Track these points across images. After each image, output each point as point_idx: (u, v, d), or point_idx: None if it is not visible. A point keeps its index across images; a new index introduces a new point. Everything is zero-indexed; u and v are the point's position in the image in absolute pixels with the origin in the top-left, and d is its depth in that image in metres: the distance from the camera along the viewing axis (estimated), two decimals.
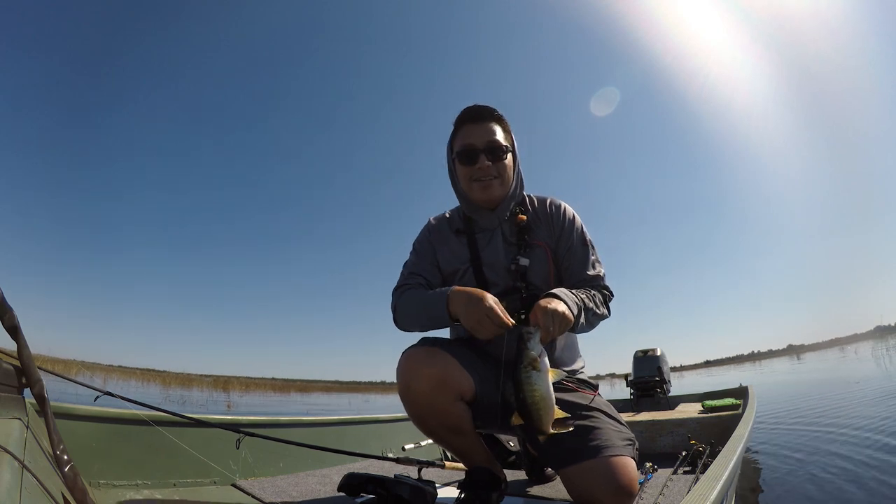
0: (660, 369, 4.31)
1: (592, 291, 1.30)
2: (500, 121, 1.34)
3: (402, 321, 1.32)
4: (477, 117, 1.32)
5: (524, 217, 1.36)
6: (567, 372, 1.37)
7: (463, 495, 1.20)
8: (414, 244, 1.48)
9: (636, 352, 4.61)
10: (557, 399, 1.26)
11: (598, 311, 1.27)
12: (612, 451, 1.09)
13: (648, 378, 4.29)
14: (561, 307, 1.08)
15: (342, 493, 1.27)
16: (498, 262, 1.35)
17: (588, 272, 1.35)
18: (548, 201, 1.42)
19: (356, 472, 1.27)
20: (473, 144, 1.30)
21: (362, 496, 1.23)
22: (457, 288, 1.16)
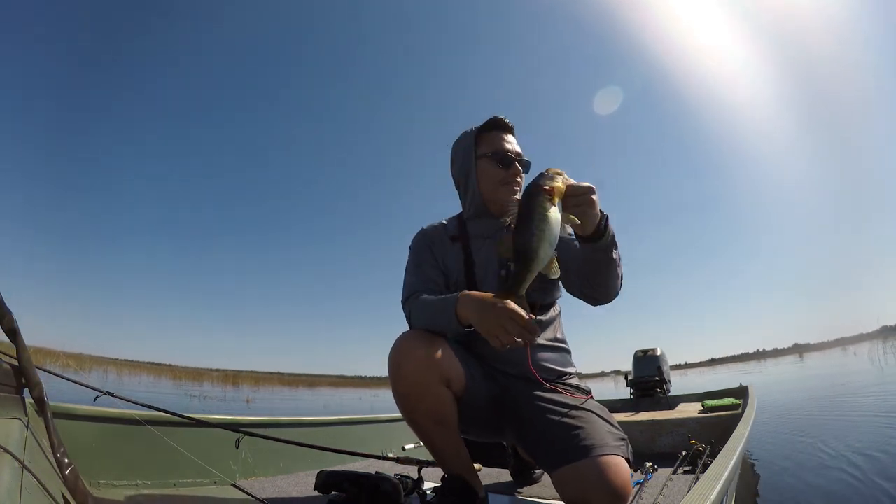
0: (660, 369, 4.31)
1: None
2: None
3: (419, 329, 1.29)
4: (507, 128, 1.42)
5: None
6: (558, 374, 1.36)
7: (435, 502, 1.19)
8: (412, 250, 1.46)
9: (636, 351, 4.61)
10: (548, 399, 1.25)
11: (619, 260, 1.20)
12: (603, 450, 1.07)
13: (648, 378, 4.29)
14: (588, 184, 1.01)
15: (319, 493, 1.27)
16: (490, 268, 1.37)
17: None
18: None
19: (331, 470, 1.27)
20: (511, 151, 1.38)
21: (333, 493, 1.23)
22: (466, 293, 1.14)
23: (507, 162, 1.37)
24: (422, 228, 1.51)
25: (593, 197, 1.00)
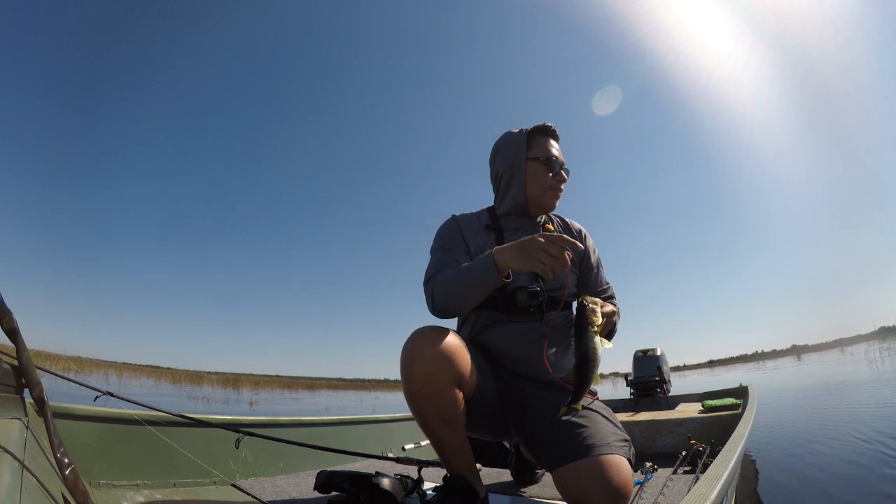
0: (660, 369, 4.31)
1: (615, 308, 1.38)
2: None
3: (441, 301, 1.28)
4: (556, 136, 1.50)
5: (552, 227, 1.47)
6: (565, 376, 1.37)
7: (436, 501, 1.19)
8: (440, 234, 1.45)
9: (636, 351, 4.61)
10: (554, 399, 1.26)
11: (617, 324, 1.41)
12: (605, 449, 1.07)
13: (648, 378, 4.29)
14: (611, 308, 1.23)
15: (321, 494, 1.26)
16: None
17: (602, 288, 1.51)
18: (569, 221, 1.59)
19: (331, 470, 1.27)
20: (560, 158, 1.47)
21: (333, 493, 1.23)
22: (498, 246, 1.20)
23: (558, 169, 1.45)
24: (453, 215, 1.50)
25: (614, 319, 1.31)
